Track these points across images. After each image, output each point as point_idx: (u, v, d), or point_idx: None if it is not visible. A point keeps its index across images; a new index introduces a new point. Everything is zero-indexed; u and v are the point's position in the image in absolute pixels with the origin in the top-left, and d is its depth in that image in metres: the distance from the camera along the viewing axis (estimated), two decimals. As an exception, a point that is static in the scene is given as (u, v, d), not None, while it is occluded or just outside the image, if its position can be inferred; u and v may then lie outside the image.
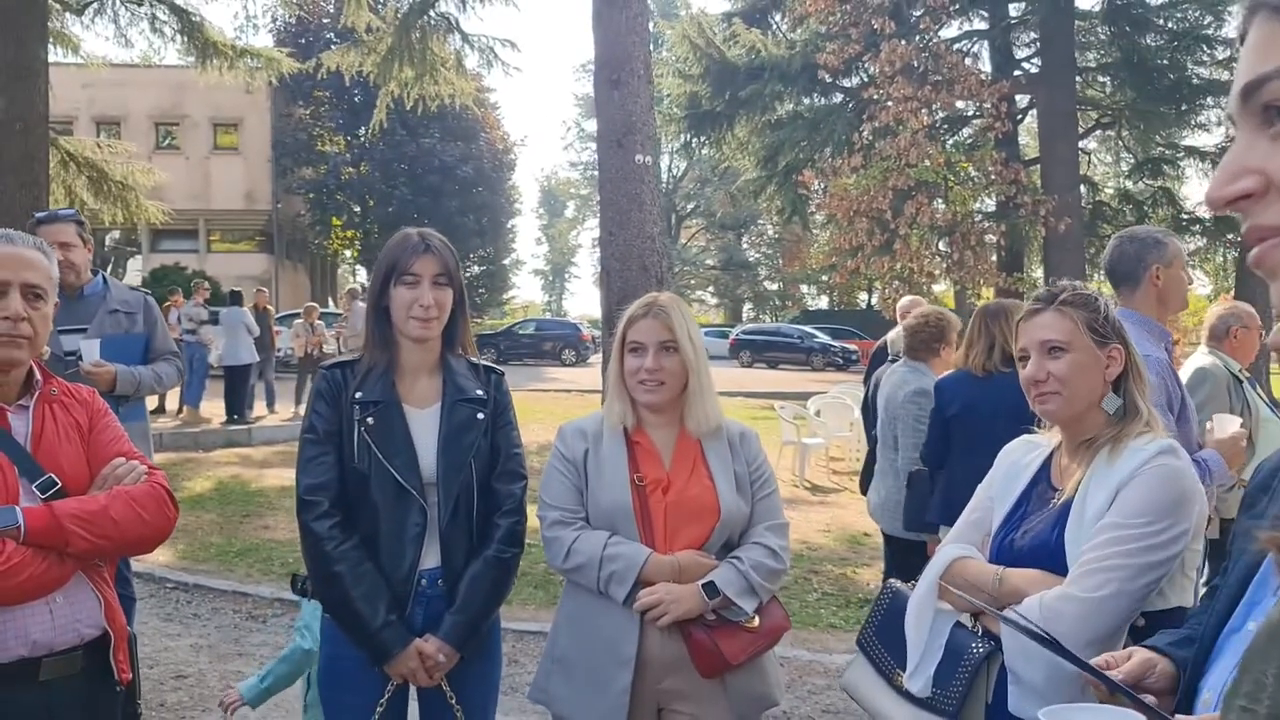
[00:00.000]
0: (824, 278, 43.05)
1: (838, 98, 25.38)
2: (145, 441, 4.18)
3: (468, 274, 40.52)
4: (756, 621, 2.31)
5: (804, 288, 53.60)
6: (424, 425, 2.35)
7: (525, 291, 79.82)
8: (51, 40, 13.45)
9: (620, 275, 9.12)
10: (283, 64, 16.06)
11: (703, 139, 27.28)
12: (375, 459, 2.28)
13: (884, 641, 2.20)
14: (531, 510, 2.44)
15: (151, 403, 13.61)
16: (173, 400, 13.64)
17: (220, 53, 15.29)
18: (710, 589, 2.25)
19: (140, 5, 14.75)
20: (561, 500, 2.37)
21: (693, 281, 57.43)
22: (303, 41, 28.95)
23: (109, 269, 32.14)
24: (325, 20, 31.33)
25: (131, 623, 4.24)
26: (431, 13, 15.52)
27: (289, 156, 32.17)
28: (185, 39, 15.16)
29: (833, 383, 18.11)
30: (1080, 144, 22.42)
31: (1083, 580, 1.81)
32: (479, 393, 2.42)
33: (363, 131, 25.88)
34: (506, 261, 45.15)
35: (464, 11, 16.09)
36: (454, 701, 2.34)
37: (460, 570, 2.33)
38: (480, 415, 2.40)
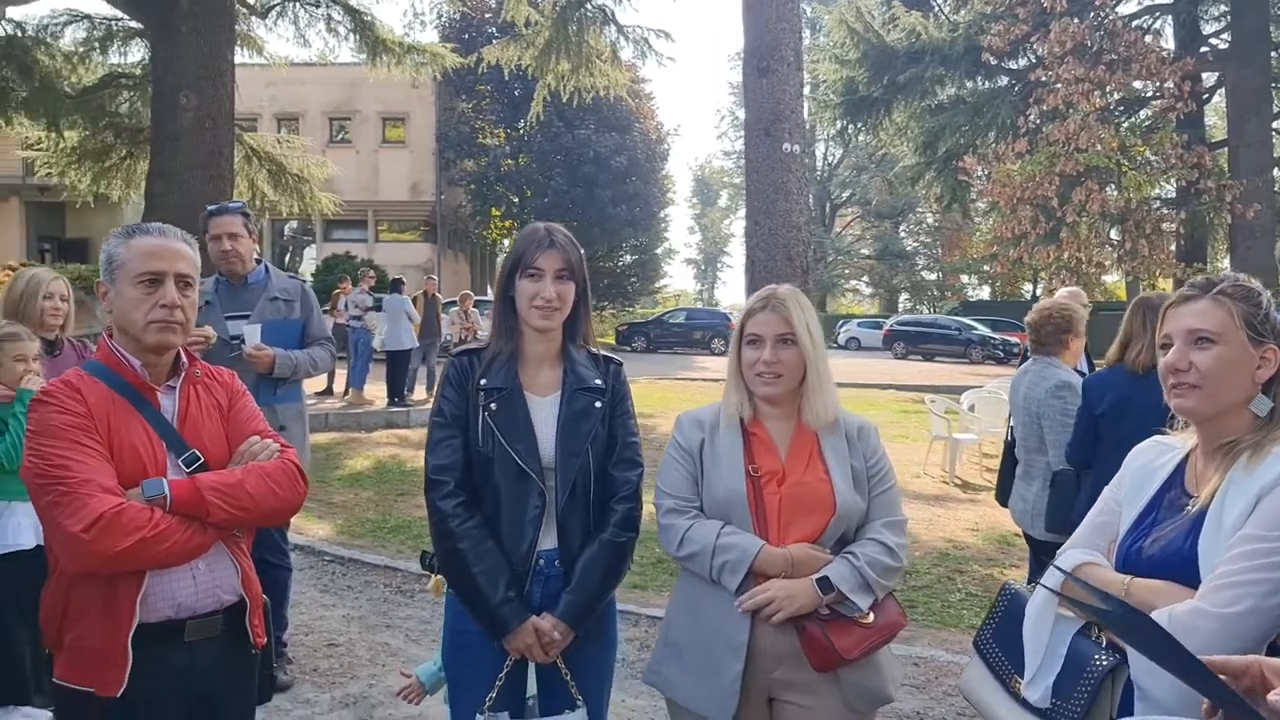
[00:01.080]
0: (985, 267, 41.55)
1: (1002, 81, 24.39)
2: (301, 422, 4.43)
3: (619, 263, 41.10)
4: (871, 617, 2.27)
5: (964, 278, 51.79)
6: (544, 412, 2.42)
7: (677, 280, 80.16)
8: (238, 42, 14.37)
9: (765, 265, 9.05)
10: (446, 59, 16.64)
11: (859, 125, 26.73)
12: (498, 443, 2.36)
13: (1001, 645, 2.13)
14: (649, 497, 2.47)
15: (320, 384, 14.42)
16: (339, 383, 14.38)
17: (389, 50, 15.93)
18: (824, 584, 2.23)
19: (317, 7, 15.50)
20: (676, 489, 2.39)
21: (847, 271, 56.41)
22: (466, 37, 29.89)
23: (287, 257, 34.09)
24: (487, 15, 32.28)
25: (287, 593, 4.53)
26: (588, 6, 15.75)
27: (452, 149, 33.30)
28: (357, 37, 15.85)
29: (990, 376, 17.45)
30: (1275, 124, 20.80)
31: (1215, 595, 1.69)
32: (598, 382, 2.48)
33: (522, 124, 26.62)
34: (659, 251, 45.40)
35: (619, 4, 16.34)
36: (569, 679, 2.40)
37: (577, 552, 2.39)
38: (598, 404, 2.45)
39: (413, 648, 4.91)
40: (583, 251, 2.55)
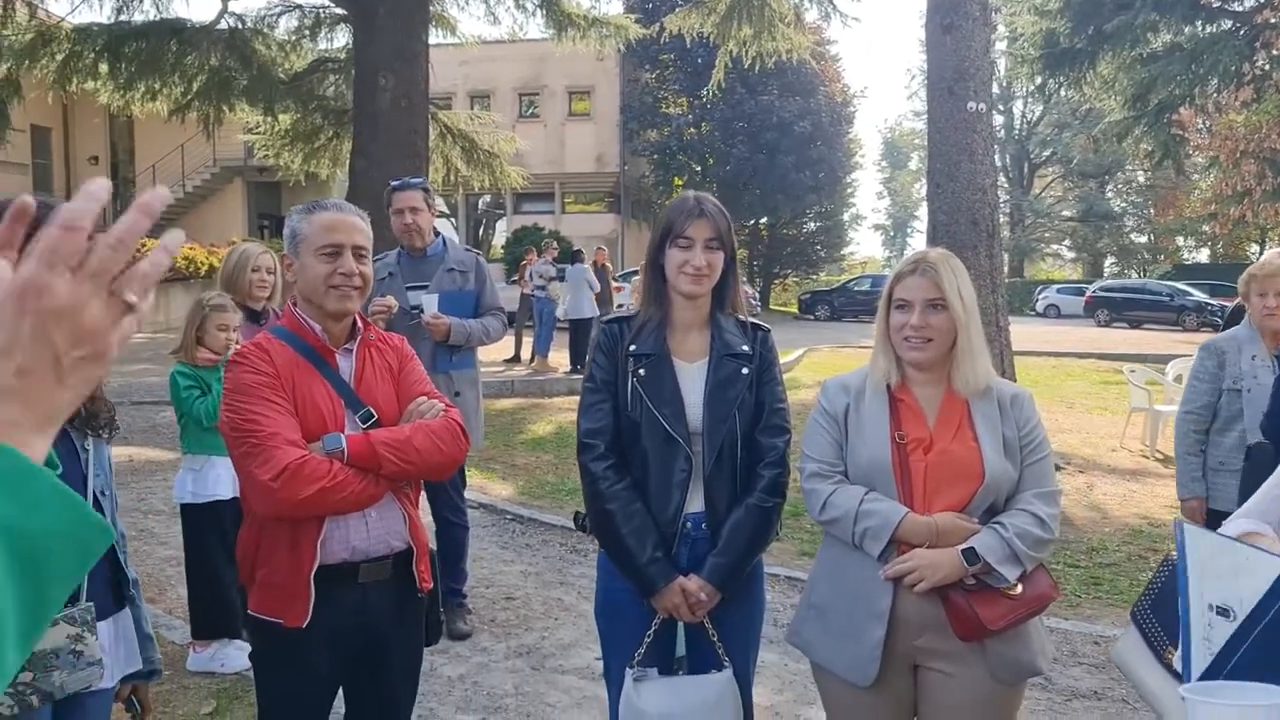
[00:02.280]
0: (1204, 228, 38.48)
1: (1225, 24, 22.43)
2: (475, 387, 4.68)
3: (803, 230, 40.51)
4: (1019, 589, 2.23)
5: (1179, 239, 48.19)
6: (692, 378, 2.49)
7: (865, 247, 78.29)
8: (433, 23, 15.01)
9: (948, 229, 8.77)
10: (629, 30, 16.79)
11: (1060, 79, 25.18)
12: (646, 408, 2.44)
13: (1159, 616, 2.05)
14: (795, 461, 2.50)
15: (508, 352, 15.03)
16: (526, 350, 14.94)
17: (575, 24, 16.21)
18: (970, 555, 2.20)
19: (507, -15, 15.94)
20: (821, 453, 2.40)
21: (1046, 235, 53.50)
22: (649, 6, 30.04)
23: (480, 230, 35.46)
24: (672, -16, 32.30)
25: (464, 549, 4.81)
26: (771, -32, 15.54)
27: (635, 120, 33.66)
28: (545, 13, 16.19)
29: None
30: None
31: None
32: (745, 349, 2.52)
33: (704, 92, 26.61)
34: (844, 217, 44.41)
35: (803, -35, 15.96)
36: (716, 640, 2.47)
37: (723, 516, 2.46)
38: (745, 370, 2.49)
39: (584, 604, 5.12)
40: (744, 222, 2.59)
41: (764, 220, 37.38)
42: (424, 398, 2.36)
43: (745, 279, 36.06)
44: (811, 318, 32.45)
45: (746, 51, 16.12)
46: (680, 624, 2.51)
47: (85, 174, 29.53)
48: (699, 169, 34.09)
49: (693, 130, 33.28)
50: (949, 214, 8.85)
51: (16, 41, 13.78)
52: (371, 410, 2.27)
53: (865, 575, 2.29)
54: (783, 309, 38.64)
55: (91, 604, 1.97)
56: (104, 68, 14.26)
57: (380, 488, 2.22)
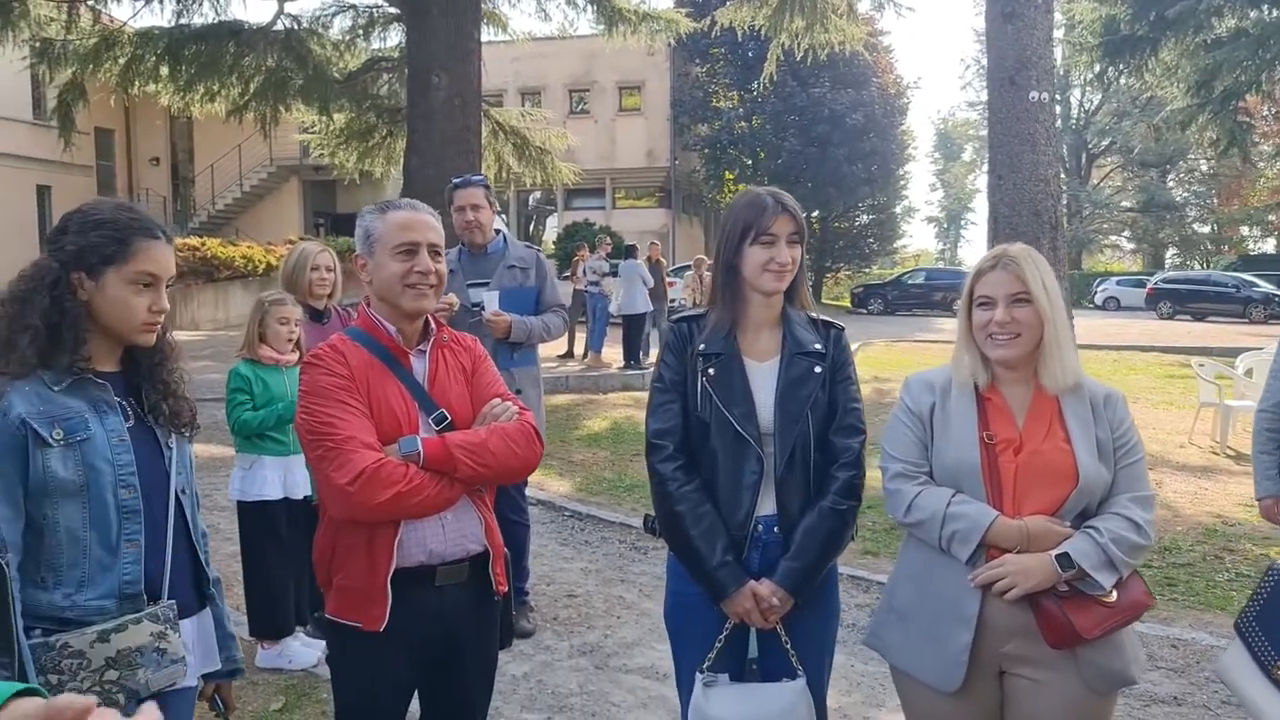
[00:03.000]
0: (1270, 217, 37.39)
1: (1293, 8, 21.75)
2: (536, 385, 4.67)
3: (855, 223, 40.12)
4: (1114, 596, 2.15)
5: (1244, 229, 46.89)
6: (763, 377, 2.43)
7: (918, 240, 77.39)
8: (485, 21, 15.07)
9: (1009, 221, 8.59)
10: (680, 24, 16.73)
11: (1120, 67, 24.61)
12: (716, 408, 2.39)
13: (1265, 629, 1.97)
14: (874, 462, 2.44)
15: (561, 348, 15.06)
16: (579, 346, 14.96)
17: (625, 19, 16.17)
18: (1064, 561, 2.13)
19: (558, -19, 15.95)
20: (904, 453, 2.34)
21: (1105, 226, 52.40)
22: (699, 1, 29.91)
23: (531, 226, 35.62)
24: (721, -23, 32.11)
25: (526, 547, 4.80)
26: (824, -41, 15.37)
27: (686, 114, 33.56)
28: (595, 9, 16.18)
29: (1272, 338, 15.79)
30: None
31: None
32: (817, 347, 2.46)
33: (755, 85, 26.41)
34: (897, 209, 43.89)
35: (855, -45, 15.76)
36: (789, 647, 2.41)
37: (796, 519, 2.40)
38: (818, 369, 2.43)
39: (645, 602, 5.09)
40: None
41: (816, 213, 37.08)
42: (498, 400, 2.33)
43: (797, 273, 35.82)
44: (865, 311, 32.14)
45: (799, 44, 15.98)
46: (752, 629, 2.46)
47: (147, 174, 30.20)
48: (750, 163, 33.90)
49: (744, 124, 33.10)
50: (1011, 206, 8.68)
51: (81, 46, 14.08)
52: (445, 413, 2.25)
53: (951, 579, 2.23)
54: (835, 303, 38.31)
55: (174, 601, 1.98)
56: (165, 70, 14.52)
57: (456, 491, 2.20)
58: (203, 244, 21.88)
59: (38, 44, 14.00)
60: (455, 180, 4.70)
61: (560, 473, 8.04)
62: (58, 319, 1.88)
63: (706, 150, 33.90)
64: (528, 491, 6.71)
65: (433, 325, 2.37)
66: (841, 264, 41.82)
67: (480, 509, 2.31)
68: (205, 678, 2.13)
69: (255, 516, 4.19)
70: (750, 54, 31.03)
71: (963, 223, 73.56)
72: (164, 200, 29.91)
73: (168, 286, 2.00)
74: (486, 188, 4.64)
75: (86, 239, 1.92)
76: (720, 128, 33.30)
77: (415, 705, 2.42)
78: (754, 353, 2.47)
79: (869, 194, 35.91)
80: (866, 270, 42.95)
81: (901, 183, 41.17)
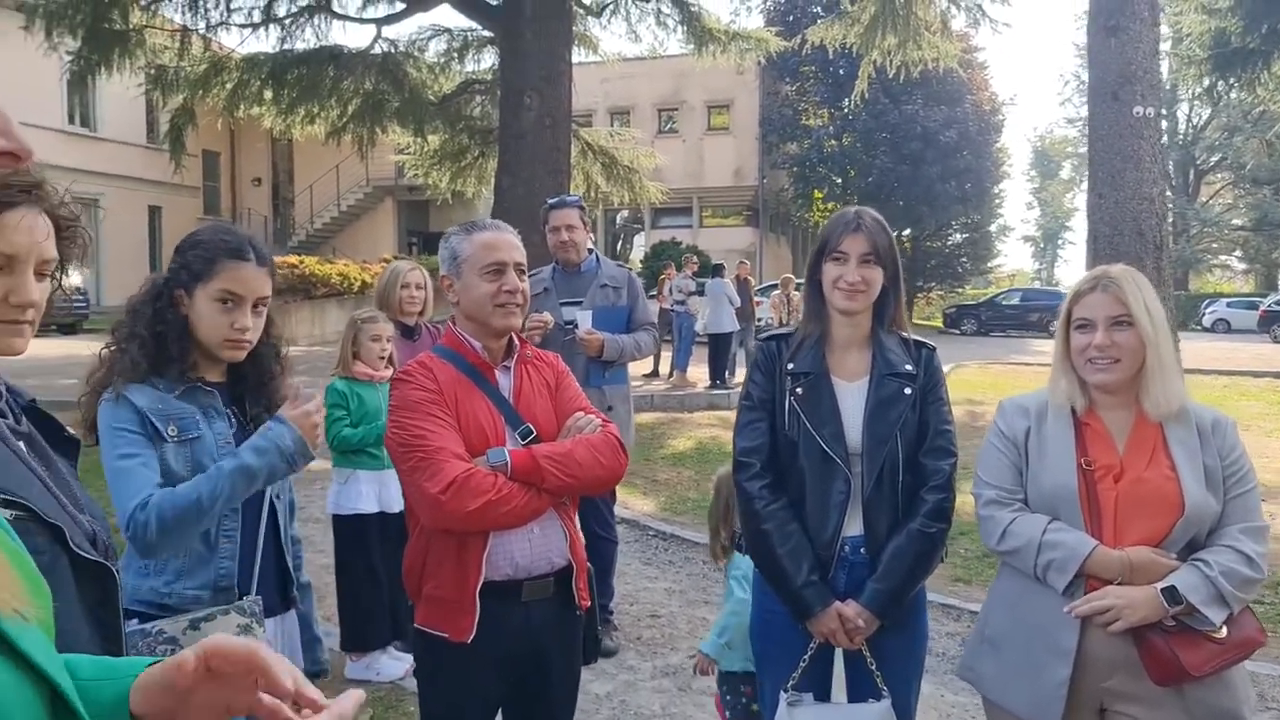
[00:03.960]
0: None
1: None
2: (627, 402, 4.69)
3: (948, 242, 39.41)
4: (1224, 632, 2.05)
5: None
6: (852, 397, 2.41)
7: (1013, 259, 75.63)
8: (575, 43, 15.28)
9: (1110, 241, 8.34)
10: (770, 43, 16.73)
11: (1231, 81, 23.77)
12: (804, 427, 2.38)
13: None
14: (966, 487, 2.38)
15: (647, 367, 15.09)
16: (664, 365, 14.97)
17: (715, 38, 16.23)
18: (1171, 595, 2.04)
19: (648, 1, 16.09)
20: (998, 479, 2.28)
21: (1214, 245, 50.46)
22: (790, 19, 29.86)
23: (619, 245, 35.88)
24: (813, -4, 32.02)
25: (613, 564, 4.80)
26: (919, -24, 15.20)
27: (775, 133, 33.46)
28: (685, 29, 16.27)
29: (1396, 365, 14.96)
30: None
31: None
32: (908, 368, 2.43)
33: (846, 103, 26.25)
34: (992, 228, 42.93)
35: (951, -29, 15.53)
36: (875, 668, 2.38)
37: (884, 540, 2.36)
38: (908, 390, 2.40)
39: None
40: (894, 235, 2.49)
41: (907, 232, 36.57)
42: (582, 413, 2.36)
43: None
44: (957, 332, 31.48)
45: (890, 61, 15.82)
46: (837, 650, 2.43)
47: (250, 194, 31.30)
48: (840, 181, 33.62)
49: (833, 142, 32.85)
50: (1112, 225, 8.43)
51: (192, 73, 14.72)
52: (530, 426, 2.28)
53: (1047, 609, 2.16)
54: (926, 323, 37.63)
55: (260, 597, 2.08)
56: (268, 94, 15.09)
57: (543, 502, 2.22)
58: (301, 262, 22.57)
59: (152, 71, 14.68)
60: (551, 201, 4.76)
61: (644, 492, 8.04)
62: (161, 330, 2.04)
63: (795, 169, 33.73)
64: (612, 509, 6.77)
65: (516, 342, 2.41)
66: (934, 283, 41.10)
67: (566, 523, 2.33)
68: None
69: (349, 530, 4.27)
70: (841, 71, 30.85)
71: (1060, 242, 71.64)
72: (265, 220, 30.99)
73: (259, 306, 2.10)
74: (581, 208, 4.69)
75: (184, 258, 2.08)
76: (810, 146, 33.10)
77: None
78: (843, 372, 2.45)
79: (962, 212, 35.26)
80: (959, 290, 42.05)
81: (996, 201, 40.30)
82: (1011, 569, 2.28)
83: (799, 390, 2.41)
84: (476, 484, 2.11)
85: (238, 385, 2.17)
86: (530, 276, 4.75)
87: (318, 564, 5.92)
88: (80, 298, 20.29)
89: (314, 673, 2.27)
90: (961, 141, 31.90)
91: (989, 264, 46.45)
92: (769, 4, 32.84)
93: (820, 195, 34.28)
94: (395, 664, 4.30)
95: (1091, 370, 2.20)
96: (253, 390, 2.16)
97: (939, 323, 34.78)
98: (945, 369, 12.11)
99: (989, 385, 14.97)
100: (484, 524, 2.15)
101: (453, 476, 2.10)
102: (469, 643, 2.19)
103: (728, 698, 3.13)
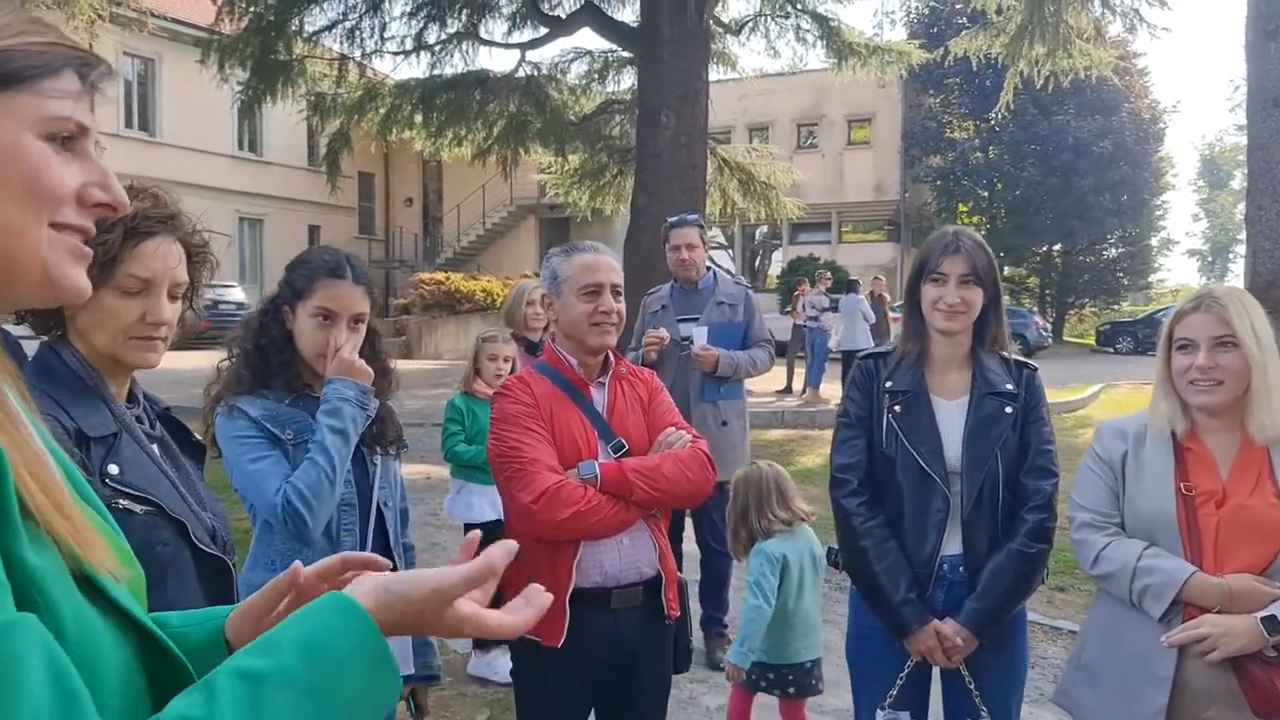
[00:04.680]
0: None
1: None
2: (742, 418, 4.73)
3: (1103, 257, 37.65)
4: None
5: None
6: (951, 416, 2.41)
7: (1176, 274, 71.57)
8: (714, 60, 15.42)
9: (1270, 256, 7.89)
10: (912, 56, 16.46)
11: None
12: (902, 445, 2.39)
13: None
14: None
15: (780, 383, 15.02)
16: (798, 381, 14.88)
17: (855, 52, 16.06)
18: (1272, 624, 1.97)
19: (787, 18, 16.08)
20: (1093, 502, 2.24)
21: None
22: (934, 31, 29.22)
23: (757, 261, 35.78)
24: (958, 6, 31.28)
25: (727, 578, 4.84)
26: (1069, -17, 14.69)
27: (917, 146, 32.75)
28: (825, 43, 16.17)
29: None
30: None
31: None
32: (1009, 387, 2.41)
33: (992, 115, 25.56)
34: (1152, 242, 40.76)
35: (1109, -24, 14.92)
36: (973, 688, 2.36)
37: (983, 559, 2.35)
38: (1009, 409, 2.38)
39: (845, 643, 5.00)
40: (993, 255, 2.48)
41: (1058, 247, 35.15)
42: (672, 428, 2.43)
43: (1036, 309, 34.03)
44: (1111, 350, 30.05)
45: (1039, 71, 15.31)
46: (935, 668, 2.42)
47: (401, 214, 32.68)
48: (985, 194, 32.63)
49: (979, 154, 31.93)
50: (1273, 239, 7.96)
51: (348, 99, 15.55)
52: (623, 440, 2.37)
53: (1144, 636, 2.11)
54: (1079, 340, 36.09)
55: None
56: (419, 118, 15.78)
57: (631, 514, 2.30)
58: (447, 278, 23.45)
59: (312, 98, 15.58)
60: (671, 220, 4.86)
61: (771, 507, 8.02)
62: (265, 343, 2.19)
63: (939, 182, 32.91)
64: (735, 524, 6.78)
65: (612, 359, 2.51)
66: (1086, 299, 39.34)
67: (655, 535, 2.40)
68: (404, 680, 2.32)
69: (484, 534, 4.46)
70: (988, 83, 29.91)
71: (1230, 256, 67.37)
72: (415, 238, 32.29)
73: (356, 323, 2.21)
74: (701, 227, 4.78)
75: (290, 277, 2.24)
76: (954, 159, 32.25)
77: None
78: (942, 391, 2.45)
79: (1118, 225, 33.63)
80: (1115, 307, 40.08)
81: (1158, 213, 38.28)
82: (1109, 595, 2.23)
83: (897, 408, 2.42)
84: (567, 495, 2.21)
85: None
86: (649, 295, 4.89)
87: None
88: (243, 312, 21.63)
89: (425, 677, 2.37)
90: (1117, 152, 30.47)
91: (1149, 279, 44.10)
92: (912, 16, 32.21)
93: (965, 209, 33.32)
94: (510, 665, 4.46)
95: (1193, 392, 2.14)
96: None
97: (1092, 340, 33.30)
98: (1095, 389, 11.70)
99: (1140, 406, 14.23)
100: (573, 533, 2.25)
101: (544, 487, 2.20)
102: (559, 647, 2.29)
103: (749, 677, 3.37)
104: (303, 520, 2.02)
